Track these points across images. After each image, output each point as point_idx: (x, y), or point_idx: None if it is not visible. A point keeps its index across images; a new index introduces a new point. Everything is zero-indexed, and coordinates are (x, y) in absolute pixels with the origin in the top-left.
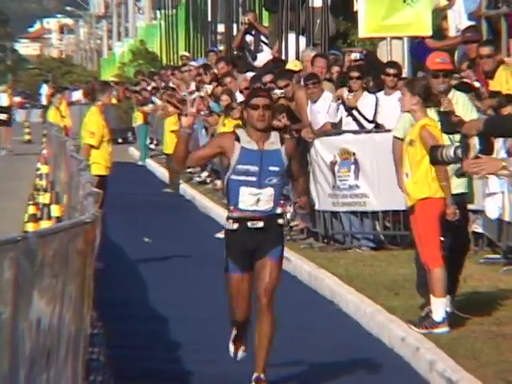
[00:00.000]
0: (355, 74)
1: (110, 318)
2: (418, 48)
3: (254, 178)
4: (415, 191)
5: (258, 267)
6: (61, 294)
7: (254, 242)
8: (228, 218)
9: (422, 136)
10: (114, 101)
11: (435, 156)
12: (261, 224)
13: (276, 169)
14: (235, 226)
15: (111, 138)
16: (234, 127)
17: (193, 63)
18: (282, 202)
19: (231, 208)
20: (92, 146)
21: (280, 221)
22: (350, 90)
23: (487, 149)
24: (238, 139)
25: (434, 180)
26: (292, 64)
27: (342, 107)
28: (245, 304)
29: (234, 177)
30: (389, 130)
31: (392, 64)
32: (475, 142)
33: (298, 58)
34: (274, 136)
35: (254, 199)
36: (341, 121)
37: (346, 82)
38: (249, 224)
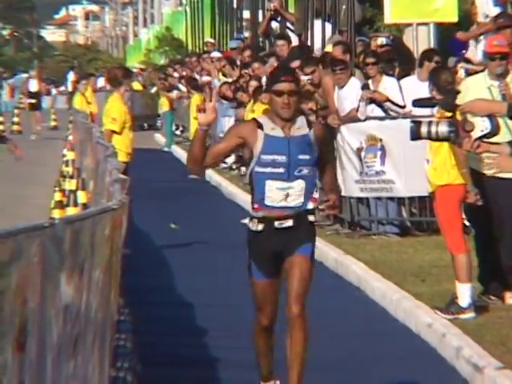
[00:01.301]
0: (371, 59)
1: (137, 305)
2: (454, 43)
3: (281, 170)
4: (435, 177)
5: (286, 266)
6: (88, 281)
7: (281, 244)
8: (252, 218)
9: None
10: (139, 87)
11: (417, 131)
12: (290, 223)
13: (306, 157)
14: (260, 226)
15: (133, 125)
16: (264, 112)
17: (214, 53)
18: (314, 196)
19: (255, 206)
20: (114, 132)
21: (311, 218)
22: (367, 77)
23: (497, 130)
24: (260, 126)
25: (454, 167)
26: (329, 48)
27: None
28: (272, 307)
29: (258, 169)
30: (416, 116)
31: (437, 52)
32: (475, 120)
33: (324, 44)
34: (301, 120)
35: (283, 194)
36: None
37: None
38: (276, 224)
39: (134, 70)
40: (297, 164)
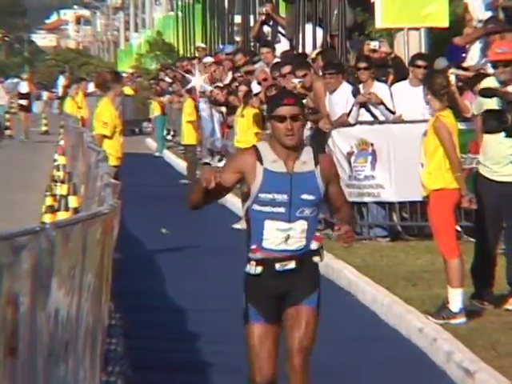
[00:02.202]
0: (363, 64)
1: (128, 309)
2: (453, 49)
3: (282, 210)
4: (429, 182)
5: (289, 317)
6: (79, 285)
7: (283, 286)
8: (249, 260)
9: (436, 127)
10: (130, 91)
11: (498, 121)
12: (292, 265)
13: (310, 198)
14: (259, 269)
15: (123, 129)
16: (254, 117)
17: (207, 59)
18: (317, 234)
19: (253, 247)
20: (105, 136)
21: (316, 259)
22: (359, 82)
23: None
24: (259, 159)
25: (449, 171)
26: (314, 54)
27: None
28: (269, 363)
29: (255, 207)
30: (407, 122)
31: (421, 56)
32: None
33: (315, 48)
34: (307, 153)
35: (283, 236)
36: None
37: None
38: (277, 266)
39: (125, 75)
40: (299, 204)
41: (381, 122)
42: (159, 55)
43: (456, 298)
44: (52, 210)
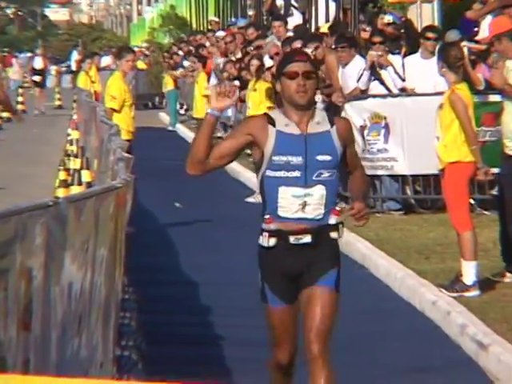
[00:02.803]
0: (378, 38)
1: (142, 283)
2: (465, 23)
3: (297, 174)
4: (445, 155)
5: (305, 298)
6: (92, 259)
7: (299, 264)
8: (262, 231)
9: (451, 100)
10: (143, 66)
11: None
12: (308, 238)
13: (327, 158)
14: (272, 241)
15: (134, 103)
16: (266, 91)
17: (219, 33)
18: (337, 208)
19: (267, 217)
20: (114, 110)
21: (334, 234)
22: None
23: None
24: (271, 122)
25: (464, 144)
26: (326, 27)
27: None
28: (289, 342)
29: (269, 173)
30: (420, 94)
31: (433, 28)
32: None
33: (327, 21)
34: (320, 114)
35: (299, 203)
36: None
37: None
38: (291, 239)
39: (138, 49)
40: (316, 166)
41: (394, 96)
42: (172, 29)
43: (469, 271)
44: (65, 184)
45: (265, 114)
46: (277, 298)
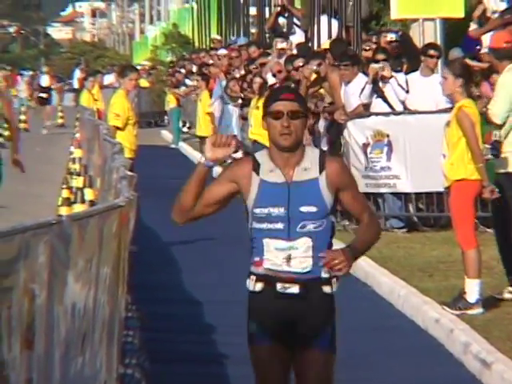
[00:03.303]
0: (381, 56)
1: (145, 301)
2: (467, 41)
3: (280, 226)
4: (452, 172)
5: (297, 361)
6: (95, 278)
7: (288, 315)
8: (250, 274)
9: (459, 117)
10: (146, 84)
11: None
12: (295, 289)
13: (312, 209)
14: (259, 286)
15: (138, 121)
16: None
17: (221, 51)
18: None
19: (256, 259)
20: (117, 128)
21: (326, 289)
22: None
23: None
24: (256, 168)
25: (471, 161)
26: (328, 44)
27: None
28: None
29: (255, 225)
30: (423, 112)
31: (434, 46)
32: None
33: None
34: (311, 157)
35: (284, 256)
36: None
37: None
38: (278, 286)
39: (140, 68)
40: (299, 218)
41: (396, 113)
42: (175, 47)
43: (473, 289)
44: (68, 202)
45: (251, 155)
46: (265, 335)
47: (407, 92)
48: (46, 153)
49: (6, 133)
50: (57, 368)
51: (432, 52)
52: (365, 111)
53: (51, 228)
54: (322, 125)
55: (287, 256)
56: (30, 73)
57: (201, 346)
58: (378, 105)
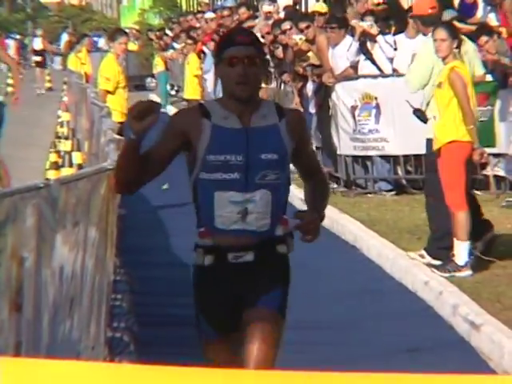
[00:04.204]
0: (369, 18)
1: (133, 265)
2: (464, 5)
3: (236, 175)
4: (442, 134)
5: (244, 325)
6: (83, 241)
7: (240, 286)
8: (196, 247)
9: (451, 78)
10: (134, 47)
11: None
12: (250, 256)
13: (273, 156)
14: (208, 259)
15: (127, 84)
16: None
17: (208, 14)
18: (284, 217)
19: (202, 230)
20: (108, 92)
21: (282, 248)
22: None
23: None
24: (206, 115)
25: (462, 123)
26: (318, 6)
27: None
28: None
29: (203, 175)
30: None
31: None
32: None
33: (318, 1)
34: (267, 105)
35: (238, 211)
36: (357, 66)
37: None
38: (230, 257)
39: (128, 31)
40: (259, 167)
41: (385, 76)
42: (162, 11)
43: (462, 251)
44: (56, 166)
45: (200, 104)
46: (212, 328)
47: (395, 49)
48: (33, 116)
49: (9, 89)
50: (45, 331)
51: None
52: (353, 74)
53: (39, 192)
54: (310, 88)
55: (243, 210)
56: (18, 37)
57: (190, 309)
58: (366, 67)
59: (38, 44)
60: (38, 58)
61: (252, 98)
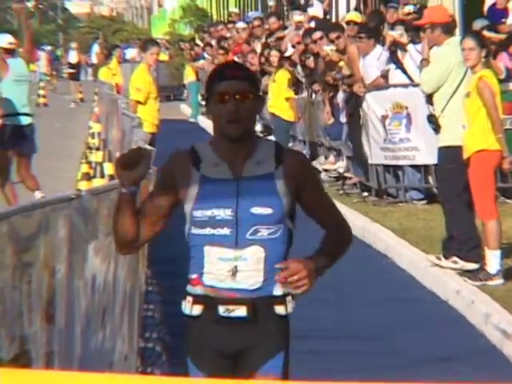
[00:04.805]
0: (400, 27)
1: (165, 275)
2: (494, 11)
3: (225, 231)
4: (472, 143)
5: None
6: (115, 252)
7: (234, 342)
8: (186, 294)
9: (479, 88)
10: (165, 57)
11: None
12: (242, 311)
13: (266, 211)
14: (197, 309)
15: (158, 95)
16: (285, 81)
17: (240, 24)
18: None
19: (193, 277)
20: (139, 102)
21: (280, 309)
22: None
23: None
24: (196, 163)
25: (491, 132)
26: (354, 15)
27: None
28: None
29: (194, 230)
30: None
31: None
32: None
33: (348, 11)
34: (265, 147)
35: (228, 269)
36: (387, 75)
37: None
38: (220, 310)
39: (159, 41)
40: (250, 222)
41: (415, 85)
42: (193, 21)
43: (493, 260)
44: (87, 177)
45: (191, 148)
46: (201, 371)
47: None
48: (65, 128)
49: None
50: (77, 342)
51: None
52: (383, 83)
53: (71, 203)
54: (340, 97)
55: (233, 268)
56: (49, 47)
57: None
58: (396, 76)
59: (73, 57)
60: (72, 71)
61: (245, 136)
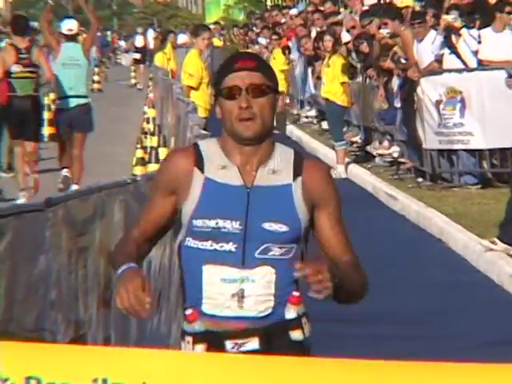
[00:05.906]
0: (454, 12)
1: None
2: None
3: (231, 247)
4: None
5: None
6: (171, 236)
7: None
8: (184, 334)
9: None
10: (219, 43)
11: None
12: (255, 343)
13: (281, 228)
14: (199, 350)
15: (210, 80)
16: (340, 66)
17: (293, 11)
18: (295, 293)
19: (188, 313)
20: (191, 88)
21: (296, 335)
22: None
23: None
24: (200, 164)
25: None
26: (408, 0)
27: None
28: None
29: (190, 242)
30: (494, 68)
31: (510, 2)
32: None
33: None
34: (282, 154)
35: (233, 293)
36: (441, 60)
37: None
38: (228, 345)
39: (213, 27)
40: (260, 238)
41: (469, 70)
42: (247, 6)
43: None
44: (143, 162)
45: (194, 146)
46: None
47: (479, 43)
48: (120, 113)
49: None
50: (133, 327)
51: (508, 8)
52: (438, 68)
53: (126, 187)
54: (395, 82)
55: (238, 292)
56: (98, 34)
57: None
58: (450, 61)
59: (139, 41)
60: (138, 56)
61: (260, 139)
